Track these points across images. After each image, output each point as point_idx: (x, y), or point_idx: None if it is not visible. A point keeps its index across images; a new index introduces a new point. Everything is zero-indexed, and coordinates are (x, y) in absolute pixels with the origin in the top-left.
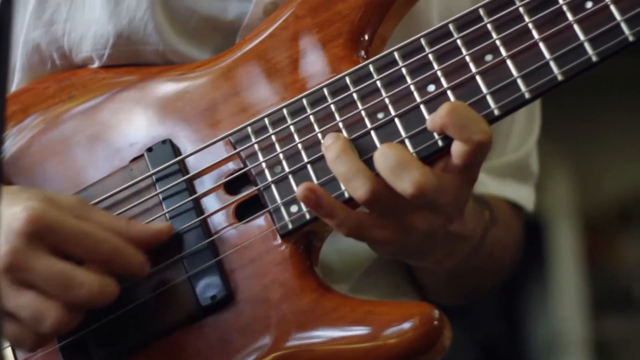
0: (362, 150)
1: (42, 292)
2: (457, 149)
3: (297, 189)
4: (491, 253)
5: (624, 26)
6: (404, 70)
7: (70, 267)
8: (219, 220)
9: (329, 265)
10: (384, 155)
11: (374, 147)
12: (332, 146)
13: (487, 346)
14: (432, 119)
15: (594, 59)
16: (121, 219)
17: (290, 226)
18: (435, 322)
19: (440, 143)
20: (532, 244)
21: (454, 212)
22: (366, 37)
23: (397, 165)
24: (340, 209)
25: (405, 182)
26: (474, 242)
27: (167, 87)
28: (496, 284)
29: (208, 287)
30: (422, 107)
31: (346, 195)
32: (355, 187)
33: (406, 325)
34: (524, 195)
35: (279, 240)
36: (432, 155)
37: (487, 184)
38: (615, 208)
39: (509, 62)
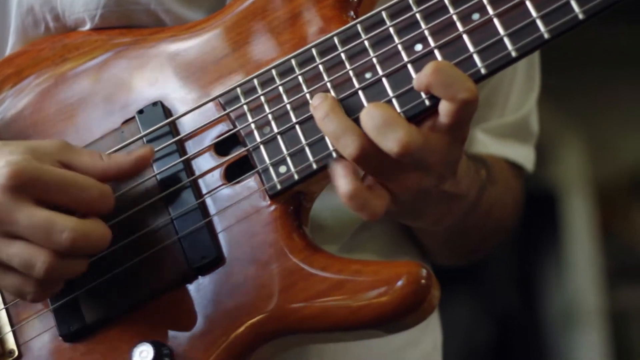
0: (350, 110)
1: (29, 240)
2: (444, 107)
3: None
4: (489, 211)
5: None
6: (391, 30)
7: (51, 214)
8: (209, 182)
9: (321, 224)
10: (370, 115)
11: (362, 107)
12: (320, 105)
13: (502, 317)
14: (417, 79)
15: (580, 16)
16: (102, 154)
17: (278, 186)
18: (423, 281)
19: (427, 102)
20: (546, 215)
21: (445, 171)
22: None
23: (382, 124)
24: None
25: (391, 141)
26: (469, 201)
27: (158, 49)
28: (496, 242)
29: (198, 248)
30: (409, 66)
31: (334, 155)
32: (344, 144)
33: (393, 284)
34: (524, 155)
35: (268, 201)
36: (420, 115)
37: (488, 144)
38: (628, 179)
39: (495, 20)
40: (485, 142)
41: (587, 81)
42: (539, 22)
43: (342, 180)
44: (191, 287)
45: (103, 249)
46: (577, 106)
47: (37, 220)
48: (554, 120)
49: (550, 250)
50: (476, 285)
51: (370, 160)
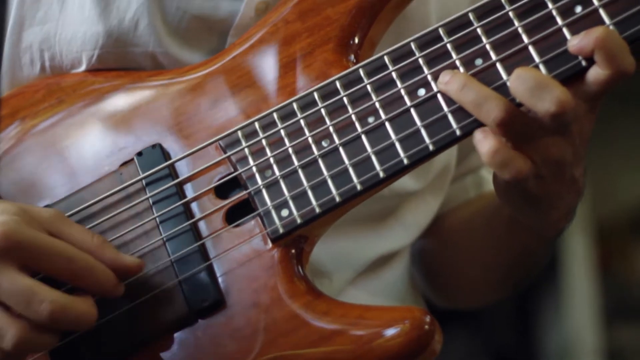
0: (354, 153)
1: (6, 308)
2: (598, 75)
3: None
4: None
5: (613, 30)
6: (394, 75)
7: (34, 284)
8: (209, 225)
9: (321, 269)
10: (520, 78)
11: (364, 151)
12: (454, 78)
13: (499, 354)
14: (580, 41)
15: (583, 63)
16: (96, 236)
17: (281, 230)
18: (426, 327)
19: (584, 63)
20: None
21: (580, 147)
22: (356, 41)
23: (536, 85)
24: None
25: (546, 101)
26: (574, 206)
27: (157, 91)
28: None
29: (198, 291)
30: (412, 110)
31: (359, 188)
32: (488, 109)
33: (397, 330)
34: None
35: (270, 245)
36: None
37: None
38: (628, 217)
39: (498, 65)
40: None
41: None
42: (542, 67)
43: (484, 141)
44: (191, 331)
45: (85, 328)
46: None
47: (18, 286)
48: None
49: (549, 288)
50: (473, 321)
51: (514, 124)
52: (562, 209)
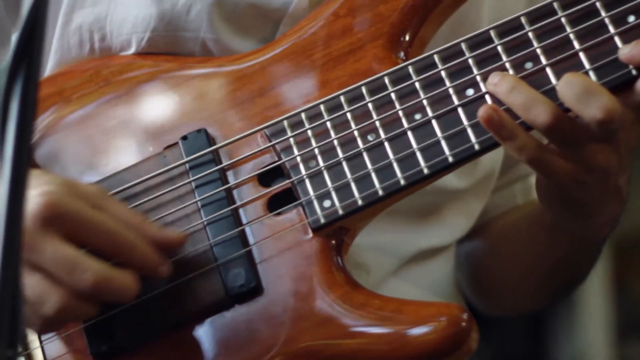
0: (400, 149)
1: (49, 275)
2: None
3: (480, 110)
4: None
5: None
6: (443, 73)
7: (77, 253)
8: (251, 212)
9: (360, 263)
10: (569, 84)
11: (410, 147)
12: (503, 80)
13: None
14: (631, 49)
15: (634, 72)
16: (137, 214)
17: (322, 220)
18: (464, 324)
19: (634, 72)
20: None
21: (625, 156)
22: (407, 38)
23: (584, 91)
24: (522, 131)
25: (594, 108)
26: (618, 216)
27: (205, 77)
28: (568, 292)
29: (237, 276)
30: (459, 109)
31: (402, 183)
32: (537, 113)
33: (433, 325)
34: None
35: (310, 234)
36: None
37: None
38: None
39: (548, 70)
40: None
41: None
42: (591, 74)
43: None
44: (227, 315)
45: (125, 301)
46: None
47: (63, 254)
48: None
49: (563, 301)
50: (486, 332)
51: (563, 129)
52: (604, 217)
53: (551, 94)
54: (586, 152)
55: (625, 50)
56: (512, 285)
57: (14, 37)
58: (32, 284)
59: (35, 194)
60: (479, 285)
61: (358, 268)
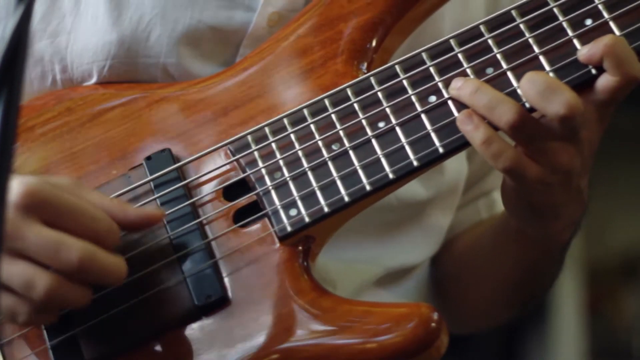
0: (363, 156)
1: (34, 260)
2: (607, 82)
3: (458, 115)
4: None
5: (621, 37)
6: (405, 82)
7: (60, 234)
8: (216, 226)
9: (329, 278)
10: (532, 81)
11: (374, 154)
12: (466, 83)
13: None
14: (590, 48)
15: (593, 71)
16: (114, 200)
17: (289, 228)
18: (433, 324)
19: (593, 71)
20: None
21: (587, 158)
22: (368, 53)
23: (546, 88)
24: (499, 138)
25: (556, 104)
26: (577, 222)
27: (168, 101)
28: (537, 302)
29: (204, 287)
30: (422, 116)
31: (368, 188)
32: (501, 112)
33: (402, 325)
34: None
35: (277, 244)
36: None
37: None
38: (619, 260)
39: (509, 74)
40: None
41: None
42: (552, 75)
43: (476, 130)
44: (194, 327)
45: (113, 282)
46: None
47: (46, 237)
48: None
49: (536, 327)
50: (459, 354)
51: (526, 128)
52: (566, 219)
53: (514, 95)
54: (551, 151)
55: (584, 51)
56: (479, 299)
57: None
58: (17, 271)
59: (14, 185)
60: (447, 304)
61: (325, 283)
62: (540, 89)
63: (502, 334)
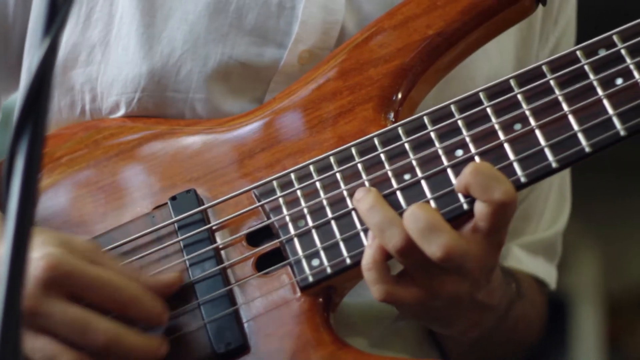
0: None
1: (58, 337)
2: (480, 210)
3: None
4: (515, 326)
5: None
6: (432, 135)
7: (87, 313)
8: (239, 271)
9: (349, 320)
10: (413, 216)
11: (400, 207)
12: (365, 197)
13: None
14: (458, 180)
15: (622, 133)
16: (130, 267)
17: (310, 279)
18: None
19: (465, 206)
20: (556, 321)
21: (481, 278)
22: (397, 100)
23: (426, 227)
24: (380, 267)
25: (434, 246)
26: (499, 314)
27: (195, 139)
28: (517, 357)
29: (224, 334)
30: (448, 170)
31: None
32: (390, 235)
33: None
34: (550, 273)
35: (299, 293)
36: (457, 218)
37: (522, 260)
38: (638, 293)
39: (537, 131)
40: (520, 258)
41: (602, 192)
42: (580, 135)
43: (368, 249)
44: None
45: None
46: (592, 216)
47: (72, 316)
48: (568, 228)
49: (557, 358)
50: None
51: (413, 255)
52: (464, 325)
53: (538, 155)
54: (435, 280)
55: (456, 182)
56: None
57: (20, 92)
58: (40, 347)
59: (36, 257)
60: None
61: (346, 327)
62: (420, 226)
63: None
